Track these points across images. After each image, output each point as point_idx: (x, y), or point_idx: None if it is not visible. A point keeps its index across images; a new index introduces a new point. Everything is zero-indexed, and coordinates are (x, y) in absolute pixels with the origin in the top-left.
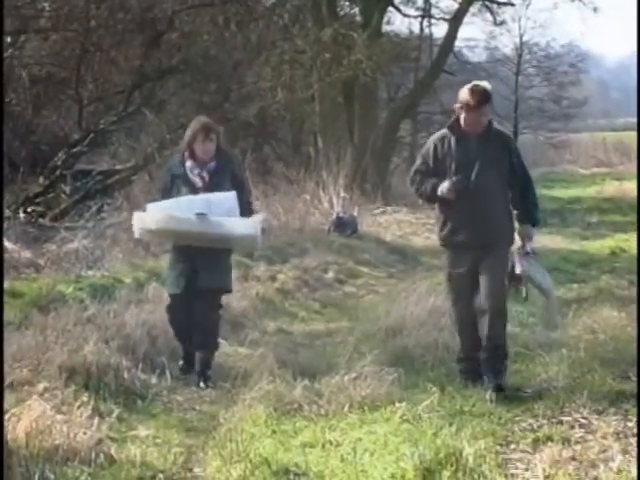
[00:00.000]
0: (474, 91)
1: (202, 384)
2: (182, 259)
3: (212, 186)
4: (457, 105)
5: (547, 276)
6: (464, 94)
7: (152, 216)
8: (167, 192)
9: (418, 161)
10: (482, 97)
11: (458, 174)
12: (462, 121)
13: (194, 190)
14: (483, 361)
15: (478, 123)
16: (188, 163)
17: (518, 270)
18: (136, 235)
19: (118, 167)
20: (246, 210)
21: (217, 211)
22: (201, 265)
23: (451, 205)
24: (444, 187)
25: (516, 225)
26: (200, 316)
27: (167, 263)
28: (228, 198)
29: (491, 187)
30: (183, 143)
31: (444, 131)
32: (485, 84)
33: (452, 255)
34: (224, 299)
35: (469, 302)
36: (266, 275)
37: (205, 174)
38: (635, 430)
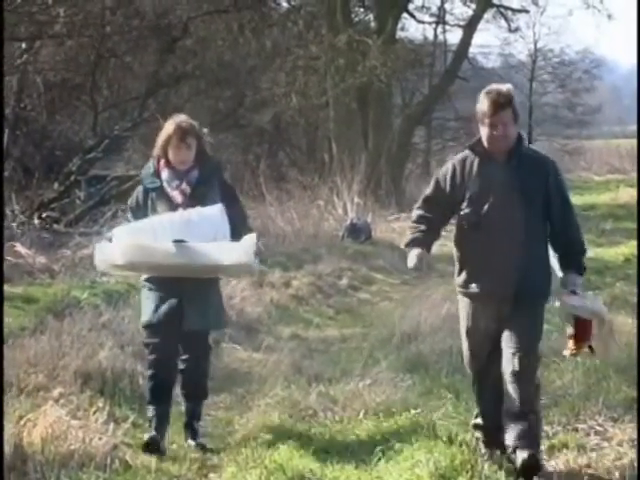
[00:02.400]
0: (488, 95)
1: (191, 441)
2: (161, 288)
3: (196, 201)
4: (477, 120)
5: (597, 299)
6: (479, 101)
7: (118, 246)
8: (139, 210)
9: (430, 186)
10: (498, 102)
11: (471, 206)
12: (483, 139)
13: (173, 207)
14: (511, 429)
15: (498, 137)
16: (165, 174)
17: (585, 314)
18: (99, 269)
19: (132, 173)
20: (241, 227)
21: (200, 232)
22: (186, 298)
23: (468, 244)
24: (410, 255)
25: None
26: (187, 363)
27: (141, 293)
28: (213, 214)
29: (518, 223)
30: (156, 147)
31: (466, 152)
32: (504, 86)
33: (470, 307)
34: (238, 304)
35: (490, 363)
36: (280, 281)
37: (186, 186)
38: None
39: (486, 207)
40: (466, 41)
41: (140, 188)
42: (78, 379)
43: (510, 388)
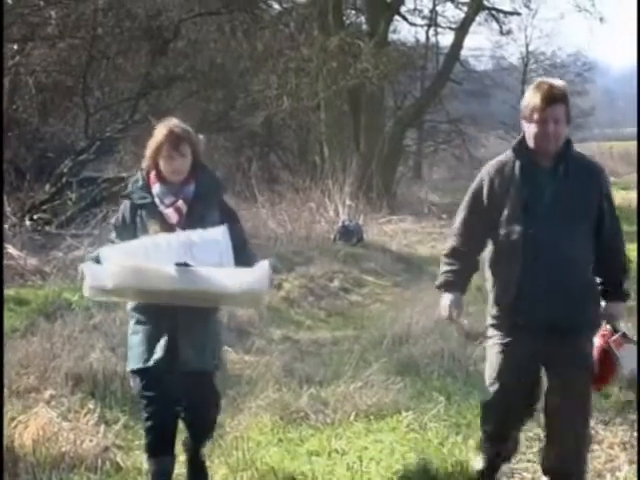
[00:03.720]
0: (540, 87)
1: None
2: (152, 321)
3: (192, 220)
4: (522, 117)
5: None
6: (527, 95)
7: (108, 269)
8: (126, 229)
9: (464, 205)
10: (552, 94)
11: (513, 222)
12: (528, 138)
13: (167, 227)
14: None
15: (549, 135)
16: (156, 187)
17: (626, 371)
18: (86, 294)
19: (124, 175)
20: (241, 252)
21: (203, 257)
22: (182, 333)
23: (508, 267)
24: (444, 303)
25: None
26: (190, 413)
27: (128, 328)
28: (217, 237)
29: (569, 242)
30: (145, 157)
31: (505, 155)
32: (558, 80)
33: (507, 342)
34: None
35: (518, 414)
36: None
37: (181, 203)
38: None
39: (531, 222)
40: (458, 44)
41: (127, 204)
42: (69, 381)
43: (556, 442)
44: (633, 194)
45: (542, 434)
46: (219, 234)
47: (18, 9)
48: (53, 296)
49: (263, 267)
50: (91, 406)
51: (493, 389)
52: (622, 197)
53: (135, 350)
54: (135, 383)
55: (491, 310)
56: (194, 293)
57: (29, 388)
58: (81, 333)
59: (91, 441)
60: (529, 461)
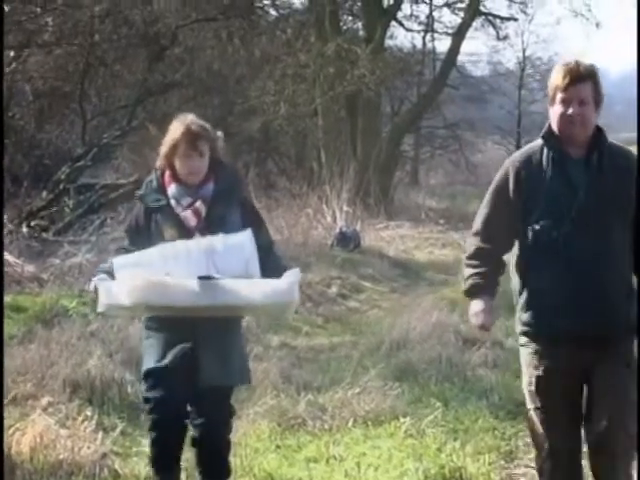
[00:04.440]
0: (565, 65)
1: None
2: (169, 329)
3: (212, 224)
4: (549, 100)
5: None
6: (552, 74)
7: (124, 284)
8: (140, 235)
9: (486, 202)
10: (577, 72)
11: (544, 219)
12: (552, 121)
13: (185, 232)
14: None
15: (573, 117)
16: (172, 188)
17: None
18: (100, 310)
19: (122, 181)
20: (268, 258)
21: (228, 266)
22: (204, 343)
23: (539, 270)
24: (474, 309)
25: None
26: (203, 431)
27: (142, 336)
28: (242, 243)
29: (604, 243)
30: (160, 156)
31: (533, 144)
32: (586, 60)
33: (540, 352)
34: None
35: (567, 429)
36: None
37: (201, 205)
38: None
39: (564, 220)
40: (455, 49)
41: (140, 208)
42: (67, 388)
43: (602, 465)
44: None
45: None
46: (244, 239)
47: (15, 16)
48: (50, 303)
49: (293, 277)
50: (89, 413)
51: (533, 411)
52: None
53: (149, 352)
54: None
55: (521, 316)
56: (219, 307)
57: (26, 395)
58: (79, 340)
59: (89, 448)
60: (527, 466)
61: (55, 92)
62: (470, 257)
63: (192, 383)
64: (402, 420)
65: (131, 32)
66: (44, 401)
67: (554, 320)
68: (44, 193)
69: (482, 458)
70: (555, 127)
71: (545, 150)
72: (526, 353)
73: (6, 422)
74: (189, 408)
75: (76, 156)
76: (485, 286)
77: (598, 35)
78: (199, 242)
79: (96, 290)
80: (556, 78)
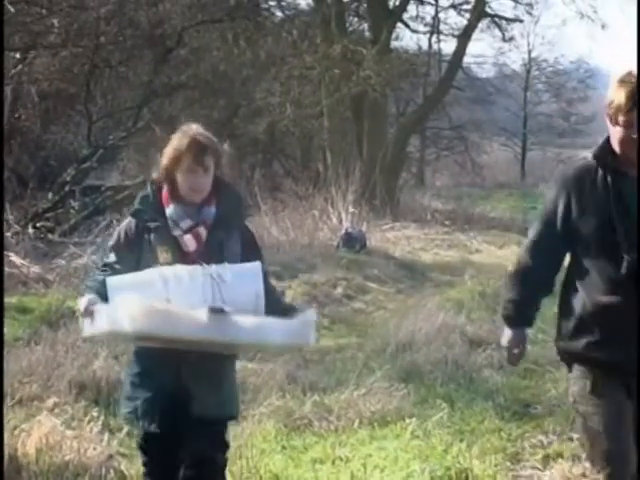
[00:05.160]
0: (625, 84)
1: None
2: (155, 366)
3: (211, 248)
4: (606, 114)
5: None
6: (611, 89)
7: (125, 310)
8: (129, 252)
9: (540, 216)
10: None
11: (600, 241)
12: (613, 142)
13: (181, 254)
14: None
15: (635, 142)
16: (170, 208)
17: None
18: (86, 335)
19: (127, 183)
20: (269, 289)
21: (235, 298)
22: (192, 378)
23: (588, 294)
24: (506, 339)
25: None
26: (196, 470)
27: (125, 371)
28: (253, 275)
29: None
30: (159, 169)
31: (585, 160)
32: None
33: (591, 381)
34: None
35: (626, 461)
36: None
37: (202, 229)
38: None
39: (617, 243)
40: (460, 50)
41: (132, 223)
42: (72, 389)
43: None
44: None
45: (546, 441)
46: (255, 271)
47: (20, 18)
48: (56, 304)
49: (310, 319)
50: (95, 414)
51: (586, 430)
52: None
53: (132, 404)
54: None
55: (565, 341)
56: (228, 344)
57: (32, 396)
58: (84, 341)
59: (95, 449)
60: (533, 468)
61: (61, 94)
62: (514, 276)
63: (186, 416)
64: (408, 421)
65: (137, 34)
66: (50, 402)
67: (602, 349)
68: (50, 194)
69: (488, 459)
70: (617, 148)
71: (599, 168)
72: (576, 378)
73: (12, 423)
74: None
75: (82, 157)
76: (521, 314)
77: (604, 36)
78: (204, 269)
79: (88, 312)
80: (617, 96)
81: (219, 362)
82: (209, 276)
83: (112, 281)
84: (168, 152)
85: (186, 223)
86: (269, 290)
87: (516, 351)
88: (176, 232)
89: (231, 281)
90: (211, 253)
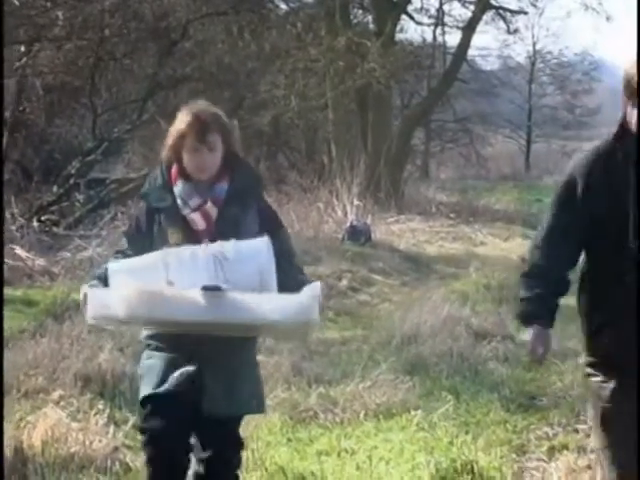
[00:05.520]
0: None
1: None
2: (172, 347)
3: (224, 227)
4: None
5: None
6: (626, 67)
7: (118, 294)
8: (141, 238)
9: (551, 208)
10: None
11: (616, 234)
12: (629, 122)
13: (192, 236)
14: None
15: None
16: (178, 186)
17: None
18: (90, 322)
19: (132, 175)
20: (286, 270)
21: (238, 277)
22: (209, 366)
23: (608, 293)
24: (527, 336)
25: None
26: (210, 466)
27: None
28: (258, 251)
29: None
30: (165, 148)
31: (602, 143)
32: None
33: (614, 382)
34: None
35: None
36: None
37: (210, 206)
38: None
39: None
40: (465, 43)
41: (142, 208)
42: (78, 381)
43: None
44: None
45: (551, 433)
46: (260, 246)
47: (25, 10)
48: (61, 297)
49: (312, 292)
50: (100, 406)
51: (605, 431)
52: None
53: (147, 375)
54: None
55: (588, 341)
56: (226, 325)
57: (38, 389)
58: (90, 334)
59: (100, 442)
60: (538, 460)
61: (65, 86)
62: (527, 275)
63: (196, 411)
64: (413, 413)
65: (141, 26)
66: (55, 395)
67: (626, 349)
68: (55, 187)
69: (493, 451)
70: (634, 128)
71: (618, 151)
72: (594, 385)
73: (18, 415)
74: (193, 440)
75: (86, 150)
76: (540, 313)
77: (609, 28)
78: (207, 247)
79: (86, 298)
80: (631, 72)
81: (233, 353)
82: (212, 255)
83: (112, 266)
84: (172, 131)
85: (195, 201)
86: (285, 269)
87: (540, 351)
88: (185, 211)
89: (235, 258)
90: (224, 232)
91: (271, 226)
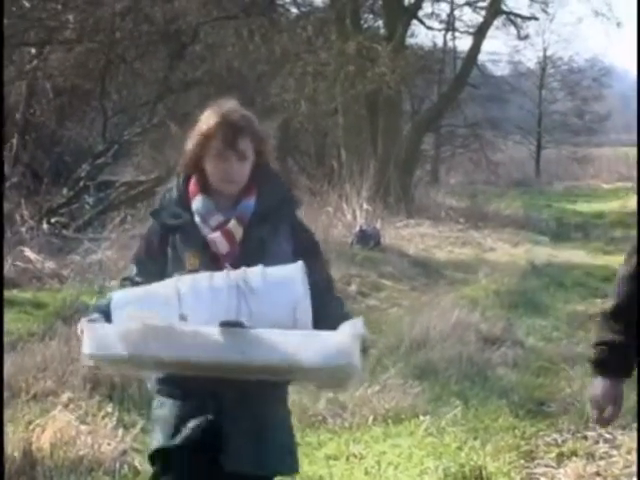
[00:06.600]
0: None
1: None
2: (185, 394)
3: (250, 251)
4: None
5: None
6: None
7: (122, 329)
8: (152, 263)
9: (630, 251)
10: None
11: None
12: None
13: (212, 260)
14: None
15: None
16: (197, 201)
17: None
18: (87, 363)
19: (142, 178)
20: (323, 302)
21: (266, 310)
22: (229, 417)
23: None
24: (593, 385)
25: None
26: None
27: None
28: (290, 279)
29: None
30: (184, 156)
31: None
32: None
33: None
34: None
35: None
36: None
37: (234, 225)
38: None
39: None
40: (475, 48)
41: (154, 226)
42: (87, 384)
43: None
44: None
45: (560, 439)
46: (293, 274)
47: (36, 13)
48: (71, 299)
49: (354, 330)
50: (109, 409)
51: None
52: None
53: (158, 425)
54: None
55: None
56: (250, 367)
57: (47, 392)
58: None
59: (109, 445)
60: (547, 466)
61: (76, 89)
62: (608, 317)
63: (215, 468)
64: (422, 418)
65: (152, 29)
66: (64, 397)
67: None
68: (64, 190)
69: (502, 457)
70: None
71: None
72: None
73: (27, 418)
74: None
75: (96, 153)
76: (616, 362)
77: (619, 35)
78: (229, 275)
79: (83, 335)
80: None
81: (262, 399)
82: (234, 283)
83: (117, 296)
84: (194, 134)
85: (216, 219)
86: (322, 301)
87: (610, 409)
88: (205, 231)
89: (261, 288)
90: (250, 256)
91: (306, 250)
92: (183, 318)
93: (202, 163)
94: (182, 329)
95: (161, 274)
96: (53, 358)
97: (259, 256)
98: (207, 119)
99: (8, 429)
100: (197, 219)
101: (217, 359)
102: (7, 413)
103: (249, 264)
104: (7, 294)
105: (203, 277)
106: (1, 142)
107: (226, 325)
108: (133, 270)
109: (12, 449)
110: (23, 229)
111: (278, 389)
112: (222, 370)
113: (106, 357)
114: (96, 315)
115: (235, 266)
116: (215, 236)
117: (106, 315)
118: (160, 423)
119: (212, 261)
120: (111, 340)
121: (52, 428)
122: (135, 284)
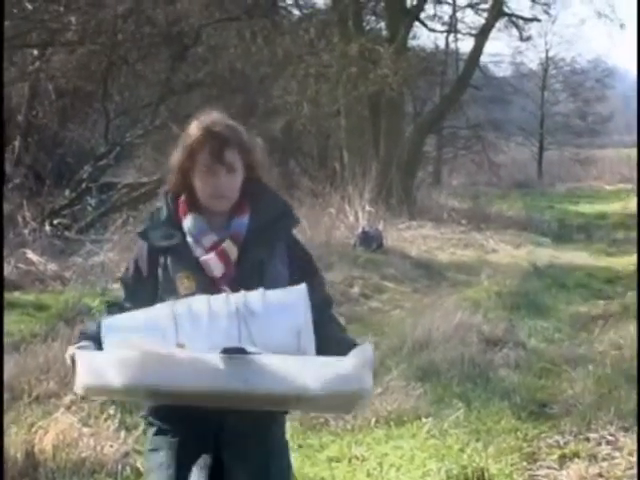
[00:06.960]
0: None
1: None
2: (181, 429)
3: (246, 271)
4: None
5: None
6: None
7: (114, 357)
8: (142, 286)
9: None
10: None
11: None
12: None
13: (205, 282)
14: None
15: None
16: (188, 220)
17: None
18: (80, 392)
19: (144, 180)
20: (326, 328)
21: (268, 336)
22: (231, 454)
23: None
24: None
25: None
26: None
27: (147, 436)
28: (294, 303)
29: None
30: (170, 174)
31: None
32: None
33: None
34: None
35: None
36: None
37: (229, 245)
38: None
39: None
40: (478, 50)
41: (143, 248)
42: None
43: None
44: None
45: (562, 441)
46: (296, 298)
47: (38, 15)
48: (73, 301)
49: (363, 356)
50: (111, 411)
51: None
52: None
53: (153, 468)
54: None
55: None
56: (253, 397)
57: (49, 393)
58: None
59: (111, 446)
60: (549, 468)
61: (78, 91)
62: None
63: None
64: (424, 420)
65: (154, 31)
66: (67, 399)
67: None
68: (67, 192)
69: (504, 459)
70: None
71: None
72: None
73: (29, 420)
74: None
75: (99, 155)
76: None
77: (622, 36)
78: (227, 299)
79: (74, 363)
80: None
81: (264, 433)
82: (234, 308)
83: (107, 322)
84: (179, 150)
85: (210, 239)
86: (322, 325)
87: None
88: (198, 252)
89: (263, 313)
90: (246, 277)
91: (303, 270)
92: (180, 346)
93: (190, 180)
94: (181, 357)
95: (151, 298)
96: (55, 360)
97: (256, 277)
98: (191, 132)
99: (11, 431)
100: (189, 239)
101: (218, 388)
102: (10, 415)
103: (246, 286)
104: (10, 296)
105: (200, 301)
106: (1, 143)
107: (227, 352)
108: (122, 295)
109: (14, 451)
110: (25, 231)
111: (279, 419)
112: (223, 401)
113: (100, 387)
114: (85, 342)
115: (231, 288)
116: (209, 257)
117: (95, 341)
118: (156, 472)
119: (207, 284)
120: (105, 369)
121: (54, 430)
122: (124, 310)
